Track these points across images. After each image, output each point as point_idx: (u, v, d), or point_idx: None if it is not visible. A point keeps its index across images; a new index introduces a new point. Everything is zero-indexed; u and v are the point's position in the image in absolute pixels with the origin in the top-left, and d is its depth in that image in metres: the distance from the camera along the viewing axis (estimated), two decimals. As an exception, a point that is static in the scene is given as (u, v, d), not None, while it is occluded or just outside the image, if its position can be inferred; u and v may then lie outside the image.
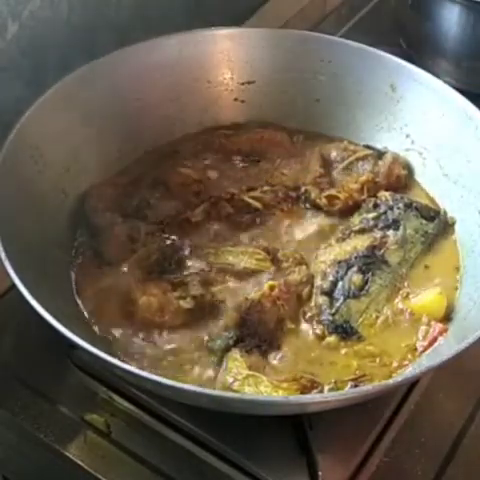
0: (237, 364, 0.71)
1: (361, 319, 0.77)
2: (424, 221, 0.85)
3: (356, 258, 0.80)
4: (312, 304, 0.78)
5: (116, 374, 0.72)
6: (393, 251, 0.82)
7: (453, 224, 0.85)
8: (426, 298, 0.78)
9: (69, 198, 0.84)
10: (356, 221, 0.85)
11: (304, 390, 0.70)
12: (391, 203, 0.85)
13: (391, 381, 0.66)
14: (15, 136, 0.78)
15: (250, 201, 0.87)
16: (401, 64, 0.90)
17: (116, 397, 0.77)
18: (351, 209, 0.87)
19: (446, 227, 0.85)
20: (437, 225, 0.85)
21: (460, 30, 1.06)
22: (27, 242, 0.75)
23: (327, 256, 0.81)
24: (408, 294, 0.79)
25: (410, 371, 0.72)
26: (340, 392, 0.68)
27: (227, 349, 0.73)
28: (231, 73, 0.96)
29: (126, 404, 0.76)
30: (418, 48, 1.12)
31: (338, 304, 0.77)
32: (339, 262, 0.80)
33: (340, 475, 0.70)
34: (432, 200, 0.89)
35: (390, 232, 0.83)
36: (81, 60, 0.86)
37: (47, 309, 0.65)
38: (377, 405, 0.73)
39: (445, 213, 0.86)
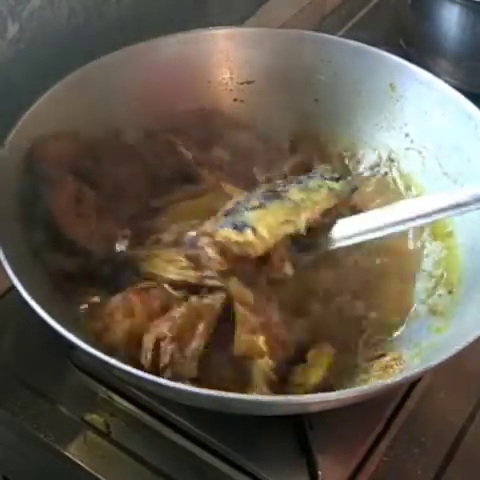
0: None
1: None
2: (328, 181, 0.84)
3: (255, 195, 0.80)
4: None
5: (116, 374, 0.72)
6: (294, 193, 0.80)
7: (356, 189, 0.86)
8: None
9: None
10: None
11: None
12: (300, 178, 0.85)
13: (391, 381, 0.66)
14: (15, 136, 0.78)
15: (183, 150, 0.87)
16: (401, 63, 0.90)
17: (116, 397, 0.77)
18: None
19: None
20: (343, 185, 0.84)
21: (460, 30, 1.06)
22: (27, 242, 0.75)
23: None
24: None
25: (410, 371, 0.72)
26: (340, 392, 0.68)
27: None
28: (231, 73, 0.95)
29: (126, 404, 0.76)
30: (418, 48, 1.12)
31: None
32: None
33: (340, 475, 0.70)
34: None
35: (292, 184, 0.82)
36: (81, 60, 0.86)
37: (46, 310, 0.65)
38: (377, 405, 0.73)
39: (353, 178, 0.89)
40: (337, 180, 0.84)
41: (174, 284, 0.75)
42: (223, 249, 0.74)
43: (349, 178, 0.88)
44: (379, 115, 0.92)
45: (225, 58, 0.95)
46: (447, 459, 0.74)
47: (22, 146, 0.79)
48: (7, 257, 0.68)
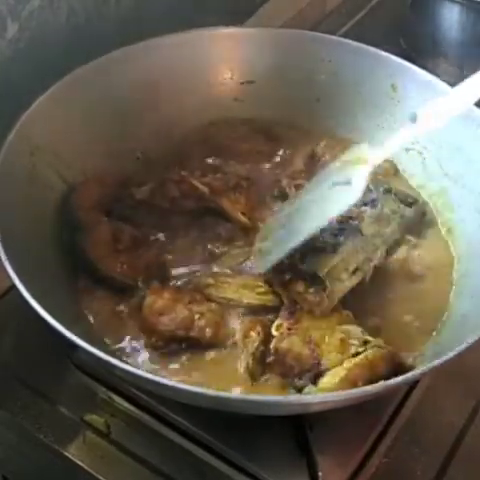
0: None
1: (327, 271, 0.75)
2: (401, 205, 0.85)
3: (330, 224, 0.79)
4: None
5: (116, 374, 0.72)
6: (368, 224, 0.80)
7: (427, 214, 0.87)
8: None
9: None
10: None
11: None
12: (371, 187, 0.84)
13: (391, 381, 0.66)
14: (15, 136, 0.78)
15: (197, 184, 0.85)
16: (401, 64, 0.90)
17: (116, 397, 0.77)
18: None
19: (426, 217, 0.87)
20: (415, 211, 0.85)
21: (460, 30, 1.06)
22: (27, 242, 0.75)
23: None
24: None
25: (410, 372, 0.72)
26: (340, 392, 0.68)
27: None
28: (231, 73, 0.96)
29: (126, 404, 0.76)
30: (418, 48, 1.12)
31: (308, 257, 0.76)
32: None
33: (340, 475, 0.70)
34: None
35: (367, 208, 0.82)
36: (81, 60, 0.86)
37: (47, 309, 0.65)
38: (377, 405, 0.73)
39: (424, 203, 0.87)
40: (411, 205, 0.85)
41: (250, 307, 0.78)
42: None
43: (420, 202, 0.88)
44: (380, 116, 0.92)
45: (225, 58, 0.95)
46: (447, 459, 0.74)
47: (22, 145, 0.79)
48: (8, 257, 0.68)
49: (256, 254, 0.80)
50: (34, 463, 0.81)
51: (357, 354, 0.71)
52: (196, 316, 0.75)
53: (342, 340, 0.72)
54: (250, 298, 0.78)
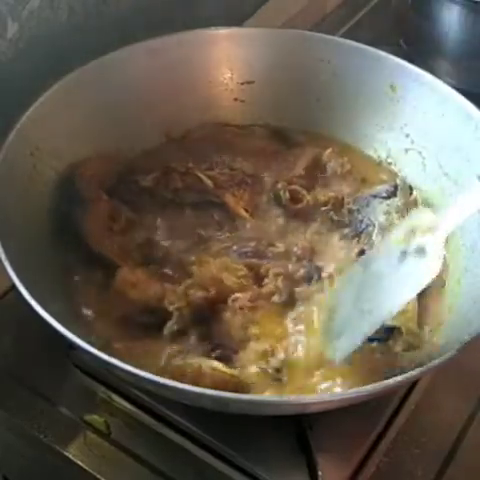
0: None
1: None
2: (388, 201, 0.85)
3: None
4: None
5: (116, 374, 0.72)
6: (380, 243, 0.80)
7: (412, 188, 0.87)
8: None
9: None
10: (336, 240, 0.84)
11: None
12: (353, 207, 0.86)
13: (391, 381, 0.66)
14: (15, 136, 0.78)
15: (202, 177, 0.86)
16: (401, 64, 0.90)
17: (116, 397, 0.77)
18: (307, 214, 0.87)
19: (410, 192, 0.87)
20: (401, 194, 0.86)
21: (460, 30, 1.06)
22: (27, 242, 0.75)
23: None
24: None
25: (410, 372, 0.72)
26: (340, 392, 0.68)
27: None
28: (231, 73, 0.95)
29: (126, 404, 0.76)
30: (418, 48, 1.12)
31: None
32: None
33: (340, 475, 0.70)
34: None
35: (368, 230, 0.83)
36: (81, 60, 0.86)
37: (46, 309, 0.65)
38: (377, 405, 0.73)
39: (402, 179, 0.88)
40: (395, 192, 0.86)
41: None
42: None
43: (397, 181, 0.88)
44: (380, 115, 0.92)
45: (225, 58, 0.95)
46: (447, 459, 0.74)
47: (22, 145, 0.79)
48: (8, 257, 0.68)
49: (323, 334, 0.73)
50: (34, 463, 0.81)
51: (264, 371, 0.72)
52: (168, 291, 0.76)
53: (264, 352, 0.73)
54: (229, 281, 0.77)
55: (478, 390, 0.80)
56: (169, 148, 0.93)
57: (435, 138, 0.88)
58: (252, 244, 0.83)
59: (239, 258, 0.81)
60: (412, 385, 0.77)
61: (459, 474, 0.74)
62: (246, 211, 0.86)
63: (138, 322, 0.76)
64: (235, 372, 0.71)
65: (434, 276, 0.66)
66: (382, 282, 0.69)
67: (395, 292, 0.68)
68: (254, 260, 0.81)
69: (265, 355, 0.73)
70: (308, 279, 0.79)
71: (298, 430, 0.72)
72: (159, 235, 0.83)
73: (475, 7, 1.02)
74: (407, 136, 0.91)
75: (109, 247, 0.80)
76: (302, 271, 0.80)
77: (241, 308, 0.76)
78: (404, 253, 0.69)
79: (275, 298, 0.78)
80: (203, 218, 0.86)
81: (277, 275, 0.79)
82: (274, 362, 0.72)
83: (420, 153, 0.90)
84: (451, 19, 1.06)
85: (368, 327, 0.68)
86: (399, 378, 0.65)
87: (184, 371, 0.70)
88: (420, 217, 0.70)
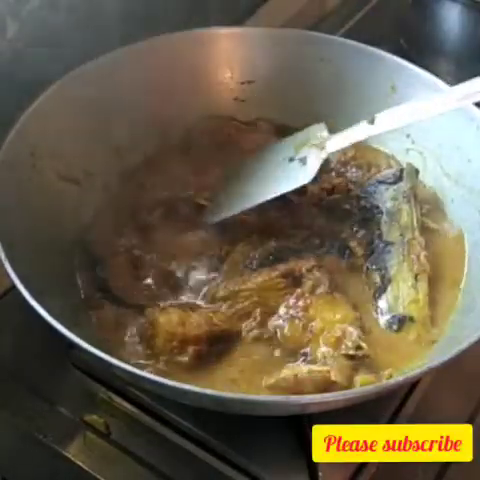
0: None
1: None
2: (395, 186, 0.85)
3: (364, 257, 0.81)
4: None
5: (116, 374, 0.72)
6: (388, 230, 0.82)
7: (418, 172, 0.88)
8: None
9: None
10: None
11: None
12: (361, 194, 0.86)
13: (391, 381, 0.66)
14: (15, 136, 0.78)
15: (203, 203, 0.86)
16: (401, 64, 0.90)
17: (116, 398, 0.77)
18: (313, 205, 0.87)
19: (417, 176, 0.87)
20: (407, 179, 0.86)
21: (460, 30, 1.06)
22: (27, 242, 0.75)
23: None
24: None
25: (411, 372, 0.72)
26: (340, 392, 0.68)
27: None
28: (231, 72, 0.96)
29: (126, 405, 0.76)
30: (418, 48, 1.11)
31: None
32: None
33: (340, 475, 0.70)
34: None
35: (377, 216, 0.84)
36: (81, 60, 0.86)
37: (47, 309, 0.65)
38: (377, 405, 0.73)
39: (408, 164, 0.88)
40: (400, 178, 0.86)
41: None
42: None
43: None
44: (380, 115, 0.92)
45: (225, 58, 0.95)
46: (447, 460, 0.74)
47: (22, 145, 0.79)
48: (8, 257, 0.68)
49: (210, 202, 0.85)
50: (34, 463, 0.81)
51: (348, 356, 0.72)
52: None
53: (338, 339, 0.73)
54: (272, 300, 0.77)
55: (478, 390, 0.80)
56: (170, 156, 0.92)
57: (436, 138, 0.88)
58: (271, 245, 0.82)
59: (266, 267, 0.80)
60: (412, 385, 0.77)
61: (459, 475, 0.74)
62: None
63: (209, 351, 0.74)
64: (327, 368, 0.71)
65: (305, 182, 0.80)
66: (266, 177, 0.84)
67: (272, 187, 0.82)
68: (281, 265, 0.80)
69: (339, 342, 0.73)
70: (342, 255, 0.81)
71: (298, 430, 0.72)
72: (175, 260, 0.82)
73: (475, 7, 1.02)
74: (408, 136, 0.91)
75: (140, 296, 0.79)
76: (333, 251, 0.81)
77: (293, 316, 0.76)
78: (292, 158, 0.83)
79: (320, 289, 0.78)
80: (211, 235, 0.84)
81: (310, 269, 0.79)
82: (350, 343, 0.73)
83: (421, 153, 0.90)
84: (451, 19, 1.06)
85: (244, 206, 0.82)
86: (399, 378, 0.65)
87: (279, 386, 0.70)
88: (315, 133, 0.84)
